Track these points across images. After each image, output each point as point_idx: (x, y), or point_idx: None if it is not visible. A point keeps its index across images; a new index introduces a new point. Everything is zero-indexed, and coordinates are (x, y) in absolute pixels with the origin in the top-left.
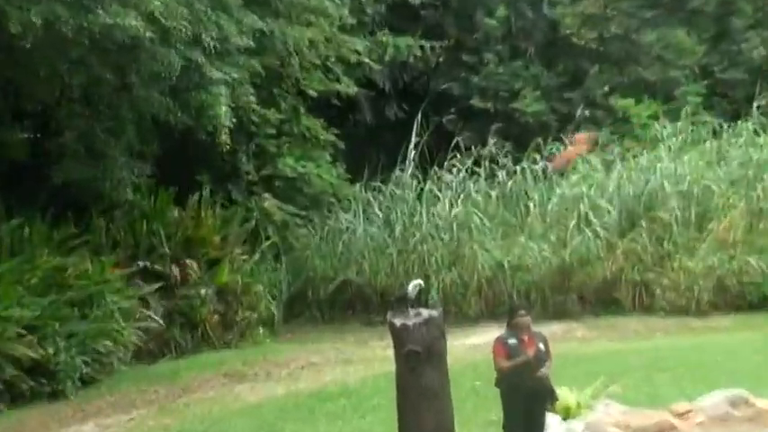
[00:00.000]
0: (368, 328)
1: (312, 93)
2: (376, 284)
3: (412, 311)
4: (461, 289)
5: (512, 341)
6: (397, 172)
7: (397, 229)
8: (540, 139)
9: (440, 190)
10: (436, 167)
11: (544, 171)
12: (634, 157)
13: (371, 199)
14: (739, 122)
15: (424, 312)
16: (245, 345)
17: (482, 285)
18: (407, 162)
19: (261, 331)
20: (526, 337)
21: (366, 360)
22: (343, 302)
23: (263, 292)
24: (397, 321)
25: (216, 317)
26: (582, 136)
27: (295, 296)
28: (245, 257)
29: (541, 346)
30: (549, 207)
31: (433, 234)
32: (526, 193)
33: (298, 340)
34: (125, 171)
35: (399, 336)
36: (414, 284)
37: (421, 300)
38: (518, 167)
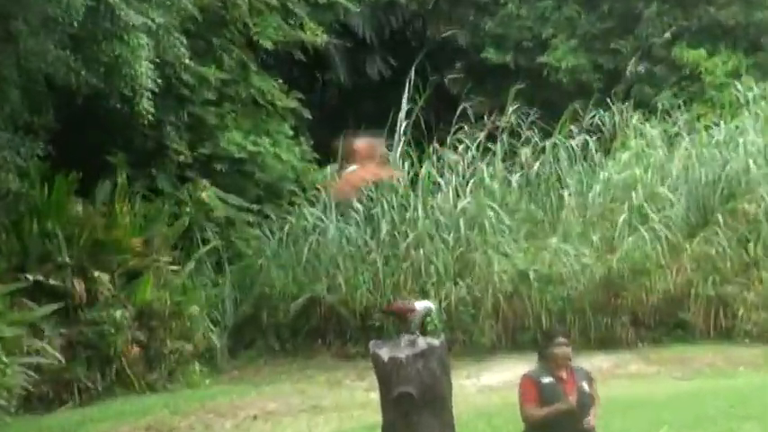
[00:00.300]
0: (343, 362)
1: (267, 44)
2: (354, 304)
3: (405, 339)
4: (471, 309)
5: (546, 380)
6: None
7: (384, 227)
8: (577, 105)
9: (441, 175)
10: (436, 144)
11: (585, 147)
12: (707, 128)
13: None
14: None
15: (421, 341)
16: (175, 387)
17: (499, 304)
18: (396, 137)
19: (197, 368)
20: (565, 374)
21: (341, 407)
22: (310, 328)
23: (201, 314)
24: (384, 353)
25: (136, 349)
26: (363, 144)
27: (244, 320)
28: (175, 268)
29: (585, 385)
30: (591, 197)
31: (433, 234)
32: (559, 179)
33: (248, 380)
34: (7, 151)
35: (387, 373)
36: (423, 306)
37: (416, 324)
38: (548, 143)
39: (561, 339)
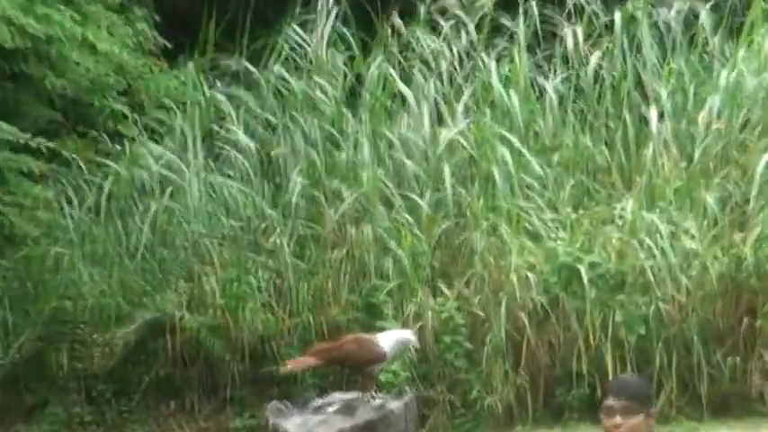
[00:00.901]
0: None
1: None
2: (239, 331)
3: (335, 400)
4: (467, 341)
5: None
6: (294, 30)
7: (296, 183)
8: None
9: (408, 80)
10: (397, 19)
11: (689, 23)
12: None
13: (227, 104)
14: None
15: (364, 407)
16: None
17: (522, 329)
18: (319, 5)
19: None
20: None
21: None
22: (154, 380)
23: None
24: (294, 427)
25: None
26: None
27: (23, 365)
28: None
29: None
30: (702, 120)
31: (392, 196)
32: (640, 85)
33: None
34: None
35: None
36: (396, 340)
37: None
38: (617, 16)
39: (608, 401)
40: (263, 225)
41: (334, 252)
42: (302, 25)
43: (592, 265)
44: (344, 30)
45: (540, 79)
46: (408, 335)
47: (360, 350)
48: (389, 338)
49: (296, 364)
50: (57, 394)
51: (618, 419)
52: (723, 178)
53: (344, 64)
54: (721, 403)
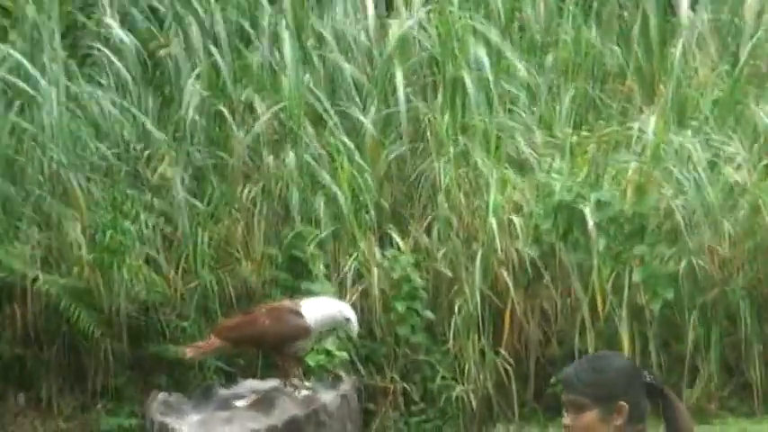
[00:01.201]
0: None
1: None
2: (112, 297)
3: (246, 389)
4: (429, 308)
5: None
6: None
7: (192, 94)
8: None
9: None
10: None
11: None
12: None
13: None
14: None
15: (286, 400)
16: None
17: (506, 293)
18: None
19: None
20: None
21: None
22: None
23: None
24: (190, 427)
25: None
26: None
27: None
28: None
29: None
30: (748, 9)
31: (325, 111)
32: None
33: None
34: None
35: None
36: (327, 314)
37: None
38: None
39: (566, 394)
40: (147, 152)
41: (245, 188)
42: None
43: (600, 205)
44: None
45: None
46: (345, 310)
47: (276, 323)
48: (316, 309)
49: (196, 350)
50: None
51: (566, 418)
52: None
53: None
54: (751, 399)
